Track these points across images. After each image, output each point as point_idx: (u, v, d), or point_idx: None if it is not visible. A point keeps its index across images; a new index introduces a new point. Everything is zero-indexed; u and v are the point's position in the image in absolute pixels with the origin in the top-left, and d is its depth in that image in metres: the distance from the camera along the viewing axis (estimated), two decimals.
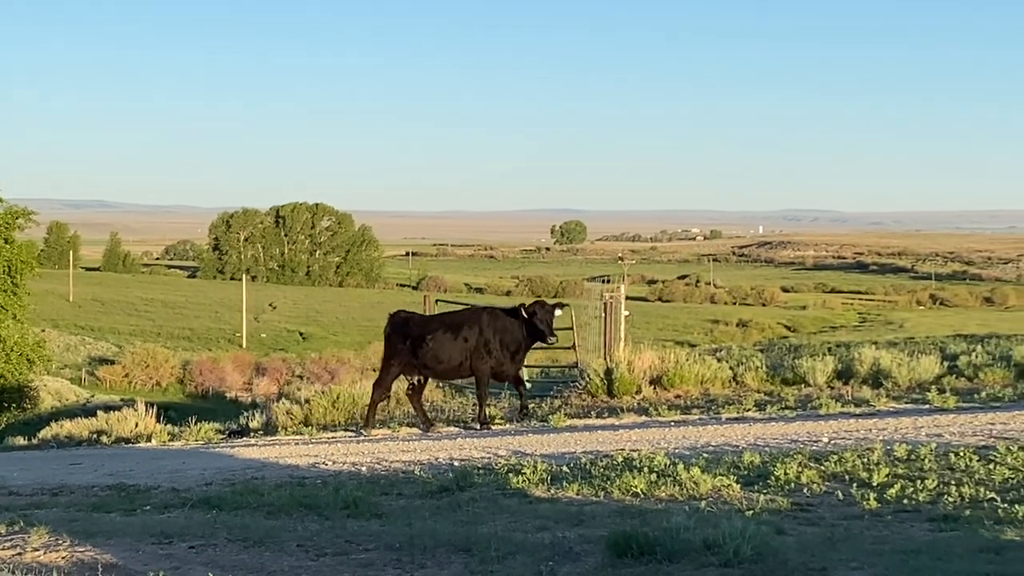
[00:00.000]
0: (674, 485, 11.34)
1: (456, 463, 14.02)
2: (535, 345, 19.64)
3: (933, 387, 19.49)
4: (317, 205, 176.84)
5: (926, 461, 11.98)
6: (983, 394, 18.47)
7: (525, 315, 19.31)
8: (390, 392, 20.97)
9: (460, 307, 23.77)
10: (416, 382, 20.11)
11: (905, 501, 10.28)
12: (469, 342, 19.40)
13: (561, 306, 20.39)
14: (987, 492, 10.33)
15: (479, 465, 13.58)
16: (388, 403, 21.81)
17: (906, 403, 18.29)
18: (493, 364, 19.35)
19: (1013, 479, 10.93)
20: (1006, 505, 9.66)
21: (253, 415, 23.50)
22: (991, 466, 11.53)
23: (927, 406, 17.62)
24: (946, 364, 22.10)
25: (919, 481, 10.93)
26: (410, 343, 19.71)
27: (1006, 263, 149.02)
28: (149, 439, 21.99)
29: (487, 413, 19.44)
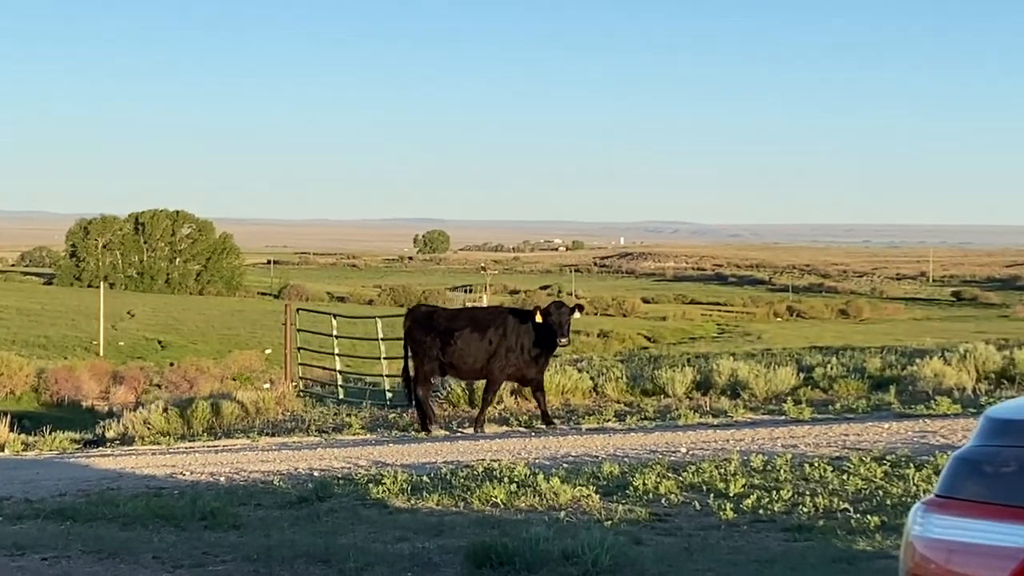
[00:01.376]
0: (534, 495, 11.38)
1: (316, 473, 13.92)
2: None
3: (789, 398, 19.77)
4: (177, 212, 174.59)
5: (782, 472, 12.15)
6: (838, 405, 18.77)
7: (540, 317, 18.67)
8: (433, 387, 20.20)
9: (326, 315, 23.12)
10: (432, 379, 19.53)
11: (761, 511, 10.43)
12: (493, 344, 18.80)
13: (580, 308, 19.63)
14: (840, 502, 10.51)
15: (339, 476, 13.50)
16: (247, 412, 21.62)
17: (763, 414, 18.53)
18: (512, 370, 18.83)
19: (865, 489, 11.13)
20: (858, 515, 9.83)
21: (109, 424, 23.12)
22: (844, 477, 11.72)
23: (783, 417, 17.86)
24: (802, 375, 22.42)
25: (775, 491, 11.08)
26: (436, 338, 19.10)
27: (860, 276, 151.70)
28: (2, 449, 21.54)
29: (485, 419, 18.90)
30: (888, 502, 10.35)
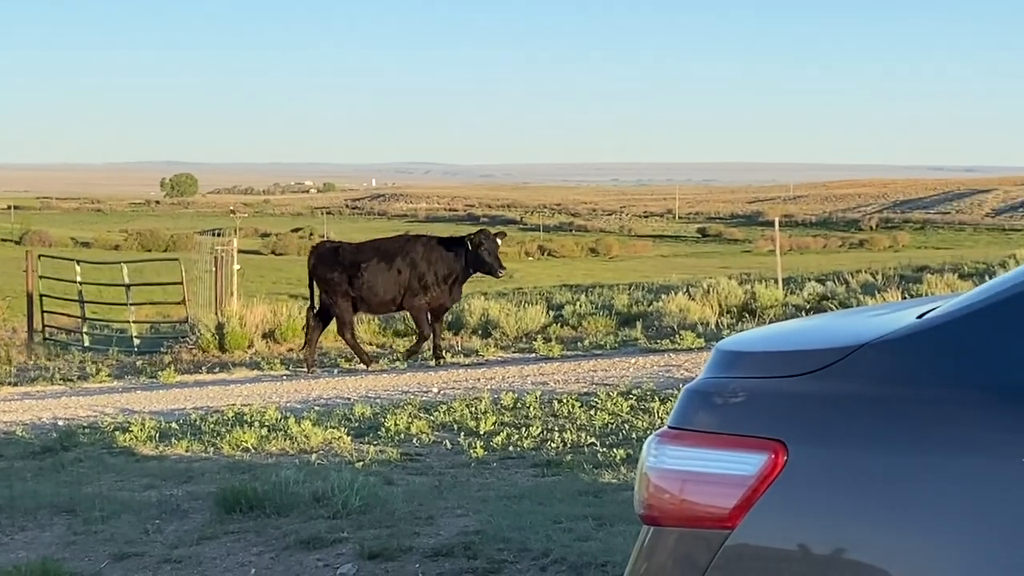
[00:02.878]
0: (285, 439, 11.31)
1: (60, 423, 13.59)
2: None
3: (540, 336, 20.04)
4: None
5: (531, 409, 12.31)
6: (587, 342, 19.08)
7: (471, 246, 18.20)
8: (353, 323, 19.22)
9: (70, 261, 22.09)
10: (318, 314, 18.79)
11: (511, 448, 10.55)
12: (402, 274, 18.26)
13: (503, 235, 19.33)
14: (588, 437, 10.71)
15: (85, 424, 13.19)
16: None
17: (514, 352, 18.74)
18: (428, 299, 18.25)
19: (612, 424, 11.36)
20: (605, 449, 10.03)
21: None
22: (592, 412, 11.94)
23: (534, 355, 18.10)
24: (552, 314, 22.76)
25: (524, 429, 11.23)
26: (343, 272, 18.42)
27: (610, 214, 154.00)
28: None
29: (421, 351, 18.34)
30: (634, 435, 10.58)
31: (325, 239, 19.73)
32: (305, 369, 18.09)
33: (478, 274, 18.85)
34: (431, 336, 18.37)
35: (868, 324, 3.27)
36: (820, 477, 2.89)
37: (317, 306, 18.93)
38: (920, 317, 3.06)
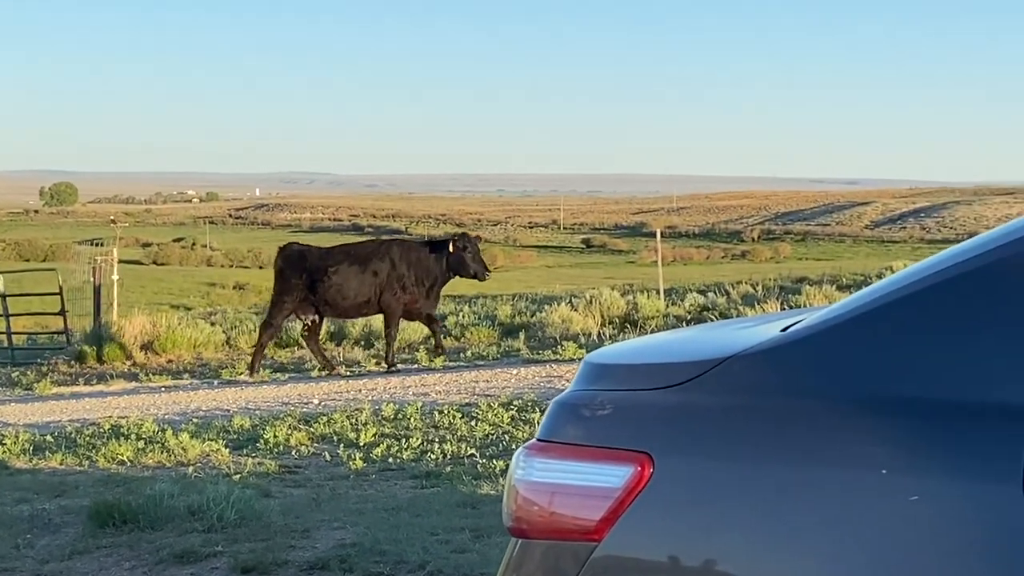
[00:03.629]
0: (162, 452, 11.18)
1: None
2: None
3: (422, 347, 20.00)
4: None
5: (412, 420, 12.28)
6: (469, 353, 19.10)
7: (453, 249, 18.09)
8: (280, 332, 19.21)
9: None
10: (311, 322, 18.51)
11: (391, 460, 10.51)
12: (379, 276, 18.01)
13: (478, 239, 19.32)
14: (468, 448, 10.70)
15: None
16: None
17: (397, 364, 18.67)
18: (407, 300, 18.11)
19: (493, 435, 11.36)
20: (485, 460, 10.03)
21: None
22: (473, 423, 11.93)
23: (416, 366, 18.08)
24: None
25: (405, 440, 11.19)
26: (307, 277, 18.09)
27: (495, 225, 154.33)
28: None
29: (394, 353, 18.16)
30: (514, 446, 10.57)
31: (292, 242, 19.46)
32: (326, 371, 18.00)
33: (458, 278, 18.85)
34: (434, 335, 18.71)
35: (735, 337, 3.29)
36: (686, 489, 2.90)
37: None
38: (785, 330, 3.08)
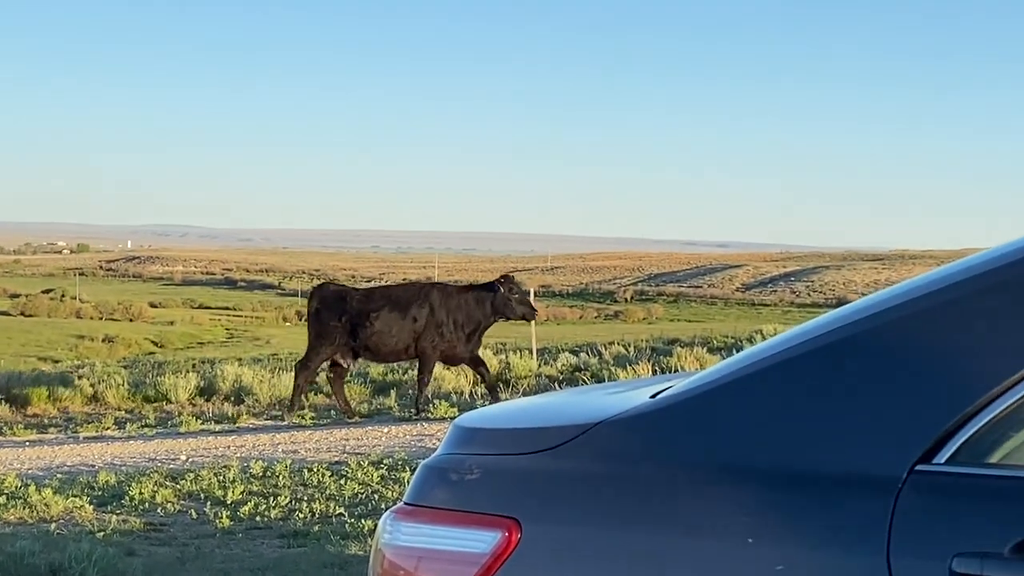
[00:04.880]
0: (24, 508, 10.95)
1: None
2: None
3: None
4: None
5: (281, 478, 12.17)
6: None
7: (498, 292, 17.80)
8: (316, 376, 18.78)
9: None
10: (344, 365, 18.17)
11: (258, 518, 10.40)
12: (418, 322, 17.70)
13: (511, 279, 18.82)
14: (337, 507, 10.62)
15: None
16: None
17: (267, 420, 18.51)
18: (444, 347, 17.81)
19: (362, 494, 11.29)
20: (353, 520, 9.95)
21: None
22: (342, 481, 11.85)
23: (286, 423, 17.92)
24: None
25: (272, 498, 11.08)
26: (348, 321, 17.77)
27: (369, 281, 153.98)
28: None
29: (427, 398, 17.88)
30: (383, 506, 10.52)
31: (328, 281, 19.15)
32: (348, 417, 17.84)
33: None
34: (483, 377, 18.51)
35: (604, 402, 3.30)
36: (552, 555, 2.89)
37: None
38: (654, 396, 3.10)
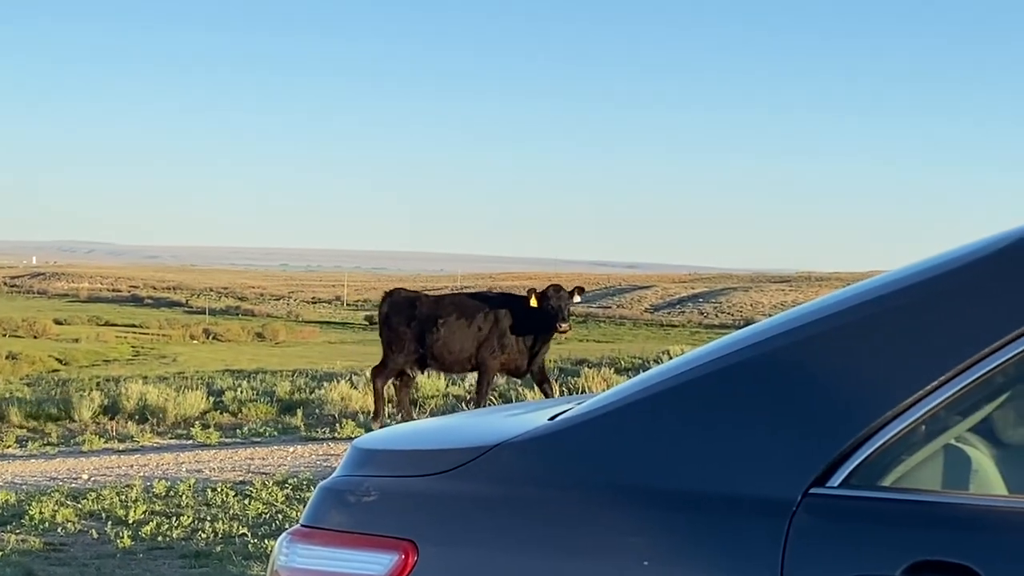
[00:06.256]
0: None
1: None
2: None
3: (198, 423, 19.65)
4: None
5: (184, 497, 12.06)
6: (245, 429, 18.83)
7: (535, 302, 17.29)
8: (392, 377, 18.20)
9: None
10: (410, 374, 17.88)
11: (160, 538, 10.30)
12: (483, 331, 17.29)
13: (581, 290, 18.40)
14: (240, 527, 10.54)
15: None
16: None
17: (171, 439, 18.33)
18: (505, 359, 17.38)
19: (266, 514, 11.22)
20: (256, 540, 9.89)
21: None
22: (247, 501, 11.77)
23: (191, 442, 17.76)
24: (212, 399, 22.36)
25: (176, 518, 10.98)
26: (417, 327, 17.41)
27: (278, 299, 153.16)
28: None
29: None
30: (287, 525, 10.43)
31: (398, 287, 18.83)
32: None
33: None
34: (545, 396, 17.68)
35: (503, 424, 3.31)
36: None
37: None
38: (553, 418, 3.11)
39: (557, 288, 17.74)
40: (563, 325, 17.51)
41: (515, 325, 17.52)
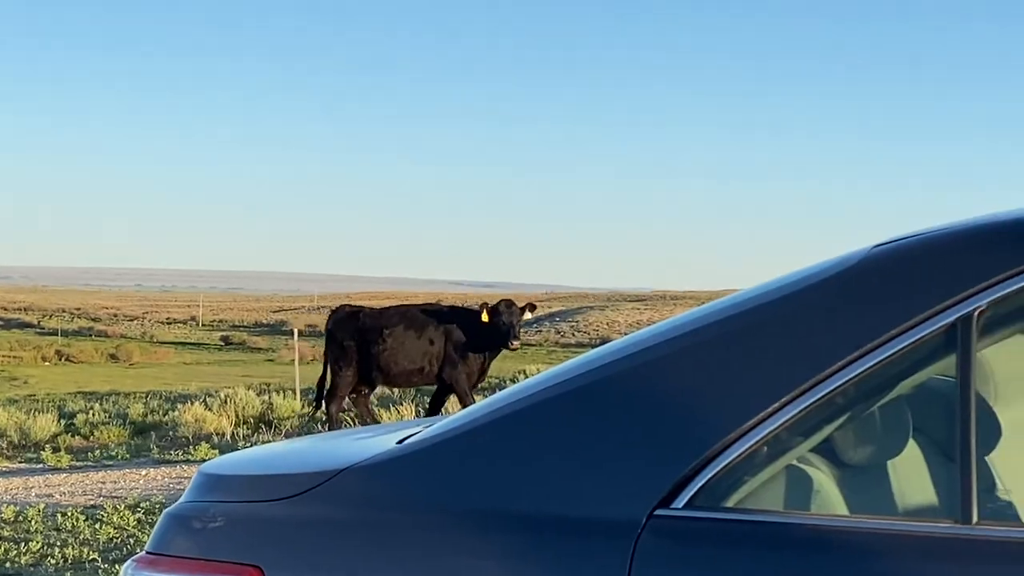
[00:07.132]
0: None
1: None
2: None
3: (48, 446, 19.31)
4: None
5: (33, 522, 11.84)
6: (98, 452, 18.56)
7: (487, 316, 16.76)
8: (344, 402, 17.68)
9: None
10: (363, 390, 17.42)
11: (8, 564, 10.10)
12: (435, 345, 16.75)
13: (532, 307, 17.80)
14: (91, 552, 10.38)
15: None
16: None
17: (20, 463, 18.01)
18: (467, 371, 16.86)
19: (117, 538, 11.06)
20: (107, 565, 9.75)
21: None
22: (98, 526, 11.58)
23: (41, 466, 17.46)
24: (64, 422, 22.02)
25: (24, 543, 10.77)
26: (361, 339, 16.86)
27: (132, 320, 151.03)
28: None
29: None
30: (138, 550, 10.23)
31: (344, 304, 18.34)
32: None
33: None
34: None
35: (350, 448, 3.30)
36: None
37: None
38: (401, 442, 3.10)
39: (509, 304, 17.38)
40: (514, 343, 17.24)
41: (467, 340, 17.21)
